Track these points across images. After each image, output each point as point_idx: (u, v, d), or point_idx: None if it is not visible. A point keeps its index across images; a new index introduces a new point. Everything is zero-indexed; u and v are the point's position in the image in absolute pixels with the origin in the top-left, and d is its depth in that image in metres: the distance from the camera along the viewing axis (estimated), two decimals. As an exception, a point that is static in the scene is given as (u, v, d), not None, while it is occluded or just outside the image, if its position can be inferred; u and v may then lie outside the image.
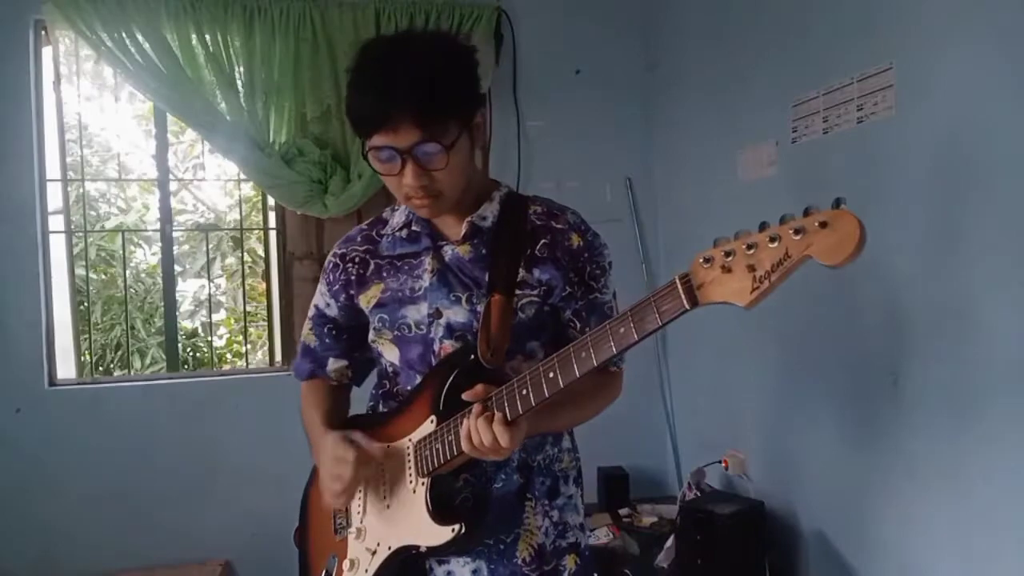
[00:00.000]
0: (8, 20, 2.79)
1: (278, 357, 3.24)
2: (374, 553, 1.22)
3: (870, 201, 2.00)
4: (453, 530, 1.11)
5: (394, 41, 1.15)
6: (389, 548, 1.20)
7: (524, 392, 1.03)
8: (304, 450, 1.36)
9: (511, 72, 3.20)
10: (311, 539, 1.38)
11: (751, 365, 2.73)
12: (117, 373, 4.79)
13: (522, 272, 1.20)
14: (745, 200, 2.68)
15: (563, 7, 3.29)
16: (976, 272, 1.78)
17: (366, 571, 1.22)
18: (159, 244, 3.24)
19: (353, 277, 1.30)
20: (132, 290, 5.16)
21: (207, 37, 2.88)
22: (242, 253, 4.27)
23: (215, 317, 5.38)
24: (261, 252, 4.27)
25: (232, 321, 5.59)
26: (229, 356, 5.49)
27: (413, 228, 1.26)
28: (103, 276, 5.43)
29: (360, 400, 1.41)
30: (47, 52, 2.88)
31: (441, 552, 1.18)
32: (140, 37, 2.81)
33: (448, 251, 1.24)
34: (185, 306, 5.34)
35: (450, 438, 1.10)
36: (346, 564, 1.26)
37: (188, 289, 5.40)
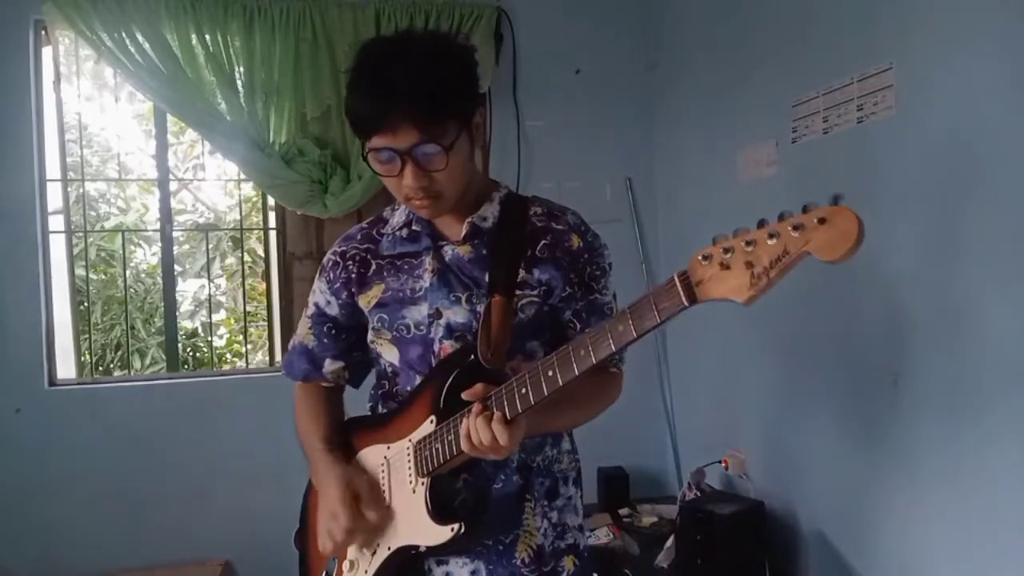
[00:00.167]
0: (8, 20, 2.79)
1: (278, 357, 3.23)
2: (374, 554, 1.22)
3: (870, 201, 2.00)
4: (452, 529, 1.11)
5: (393, 42, 1.14)
6: (389, 548, 1.20)
7: (523, 391, 1.03)
8: (304, 450, 1.35)
9: (511, 72, 3.20)
10: (311, 541, 1.38)
11: (751, 365, 2.73)
12: (117, 373, 4.79)
13: (522, 272, 1.19)
14: (745, 200, 2.68)
15: (563, 7, 3.29)
16: (976, 272, 1.78)
17: (366, 572, 1.22)
18: (159, 244, 3.24)
19: (354, 276, 1.29)
20: (132, 290, 5.15)
21: (207, 37, 2.88)
22: (242, 253, 4.27)
23: (215, 317, 5.38)
24: (261, 252, 4.27)
25: (232, 321, 5.59)
26: (229, 356, 5.49)
27: (413, 228, 1.26)
28: (103, 276, 5.42)
29: (359, 400, 1.41)
30: (47, 52, 2.88)
31: (441, 552, 1.18)
32: (140, 37, 2.82)
33: (448, 251, 1.24)
34: (185, 306, 5.34)
35: (450, 438, 1.10)
36: (346, 565, 1.26)
37: (188, 289, 5.40)
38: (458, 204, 1.20)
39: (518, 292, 1.18)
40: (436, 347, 1.21)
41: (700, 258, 0.84)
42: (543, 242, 1.22)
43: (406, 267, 1.25)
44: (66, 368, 3.03)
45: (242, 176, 3.15)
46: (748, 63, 2.64)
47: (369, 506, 1.19)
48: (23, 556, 2.75)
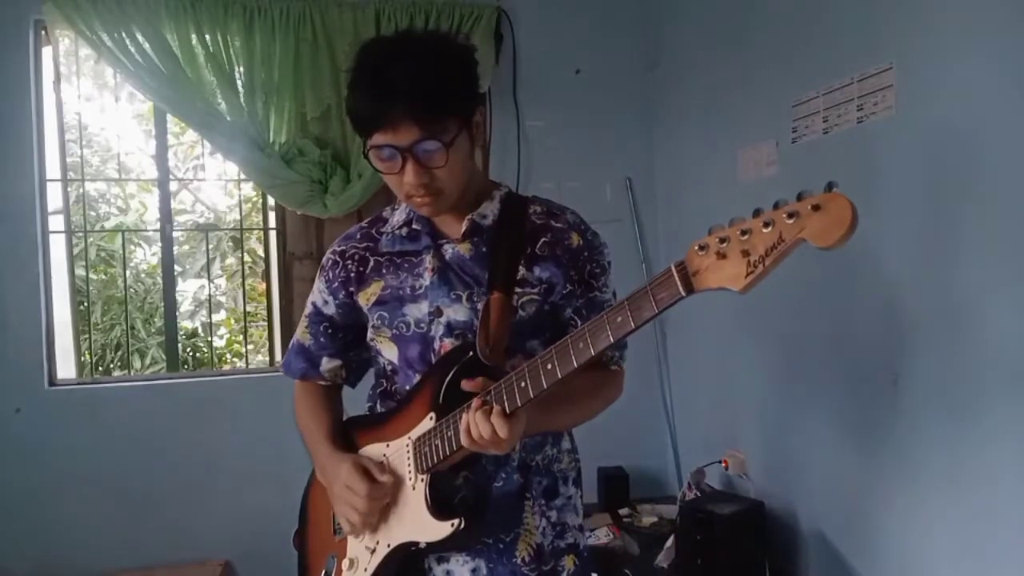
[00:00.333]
0: (8, 20, 2.79)
1: (278, 357, 3.23)
2: (373, 551, 1.21)
3: (870, 201, 2.00)
4: (452, 524, 1.11)
5: (393, 41, 1.15)
6: (389, 546, 1.20)
7: (523, 384, 1.03)
8: (304, 450, 1.35)
9: (511, 72, 3.20)
10: (310, 541, 1.38)
11: (751, 365, 2.73)
12: (117, 373, 4.79)
13: (522, 270, 1.20)
14: (745, 200, 2.64)
15: (563, 7, 3.29)
16: (976, 271, 1.78)
17: (365, 570, 1.22)
18: (159, 244, 3.24)
19: (353, 274, 1.29)
20: (132, 290, 5.16)
21: (207, 37, 2.88)
22: (242, 253, 4.27)
23: (215, 317, 5.38)
24: (261, 252, 4.27)
25: (232, 321, 5.59)
26: (229, 356, 5.49)
27: (413, 226, 1.26)
28: (103, 276, 5.43)
29: (359, 400, 1.41)
30: (47, 52, 2.88)
31: (441, 548, 1.17)
32: (140, 37, 2.82)
33: (448, 249, 1.24)
34: (185, 306, 5.34)
35: (449, 433, 1.10)
36: (345, 563, 1.26)
37: (188, 289, 5.40)
38: (458, 203, 1.20)
39: (519, 290, 1.19)
40: (436, 345, 1.22)
41: (697, 248, 0.85)
42: (543, 240, 1.23)
43: (406, 265, 1.26)
44: (66, 368, 3.03)
45: (242, 176, 3.15)
46: (748, 63, 2.64)
47: (383, 473, 1.19)
48: (23, 556, 2.75)
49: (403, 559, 1.19)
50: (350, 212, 2.99)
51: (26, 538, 2.76)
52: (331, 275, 1.32)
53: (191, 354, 5.38)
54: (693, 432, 3.18)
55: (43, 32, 2.87)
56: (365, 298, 1.28)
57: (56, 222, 2.99)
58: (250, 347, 4.94)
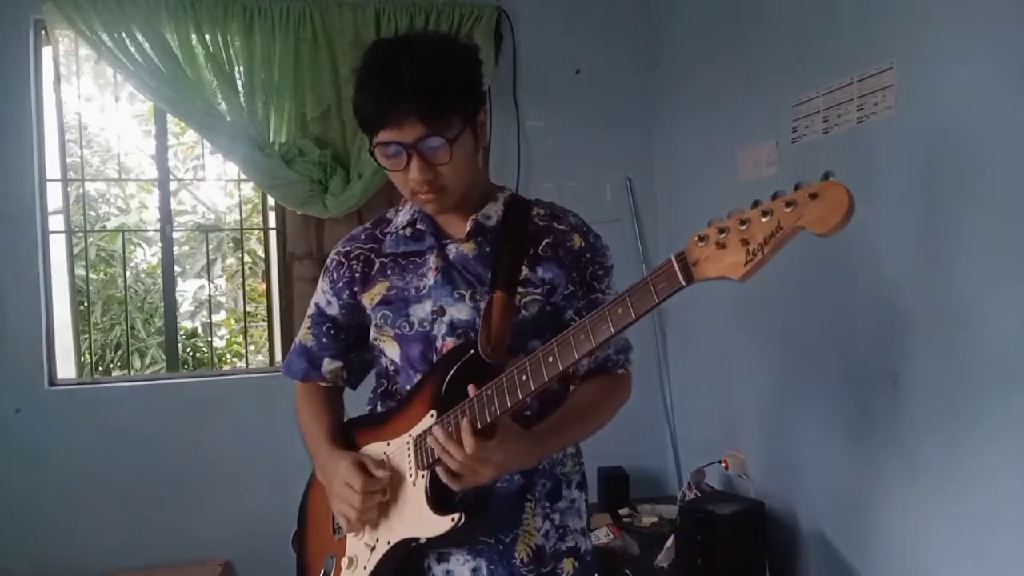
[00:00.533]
0: (8, 20, 2.79)
1: (278, 357, 3.24)
2: (373, 549, 1.21)
3: (870, 200, 2.00)
4: (453, 519, 1.11)
5: (398, 41, 1.18)
6: (389, 543, 1.20)
7: (524, 378, 1.04)
8: (304, 450, 1.35)
9: (511, 72, 3.20)
10: (309, 543, 1.38)
11: (751, 365, 2.73)
12: (117, 373, 4.79)
13: (525, 271, 1.21)
14: (745, 200, 2.66)
15: (563, 7, 3.29)
16: (976, 271, 1.78)
17: (365, 567, 1.22)
18: (159, 244, 3.24)
19: (357, 274, 1.30)
20: (132, 290, 5.16)
21: (207, 37, 2.88)
22: (242, 254, 4.27)
23: (215, 318, 5.38)
24: (261, 252, 4.28)
25: (232, 322, 5.59)
26: (229, 356, 5.49)
27: (418, 227, 1.27)
28: (103, 276, 5.43)
29: (360, 401, 1.41)
30: (47, 52, 2.89)
31: (440, 544, 1.18)
32: (140, 37, 2.82)
33: (452, 249, 1.25)
34: (185, 307, 5.34)
35: (450, 429, 1.10)
36: (344, 562, 1.25)
37: (188, 289, 5.40)
38: (462, 203, 1.22)
39: (521, 290, 1.20)
40: (438, 344, 1.22)
41: (696, 239, 0.87)
42: (546, 241, 1.24)
43: (410, 265, 1.26)
44: (66, 368, 3.03)
45: (242, 176, 3.15)
46: (748, 63, 2.64)
47: (379, 469, 1.20)
48: (23, 556, 2.75)
49: (403, 556, 1.19)
50: (350, 212, 2.98)
51: (26, 538, 2.76)
52: (335, 276, 1.32)
53: (191, 354, 5.38)
54: (693, 432, 3.18)
55: (43, 32, 2.87)
56: (369, 298, 1.28)
57: (56, 222, 2.99)
58: (250, 347, 4.94)
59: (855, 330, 2.19)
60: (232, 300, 5.68)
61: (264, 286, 3.91)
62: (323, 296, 1.35)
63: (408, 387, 1.25)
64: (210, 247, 5.15)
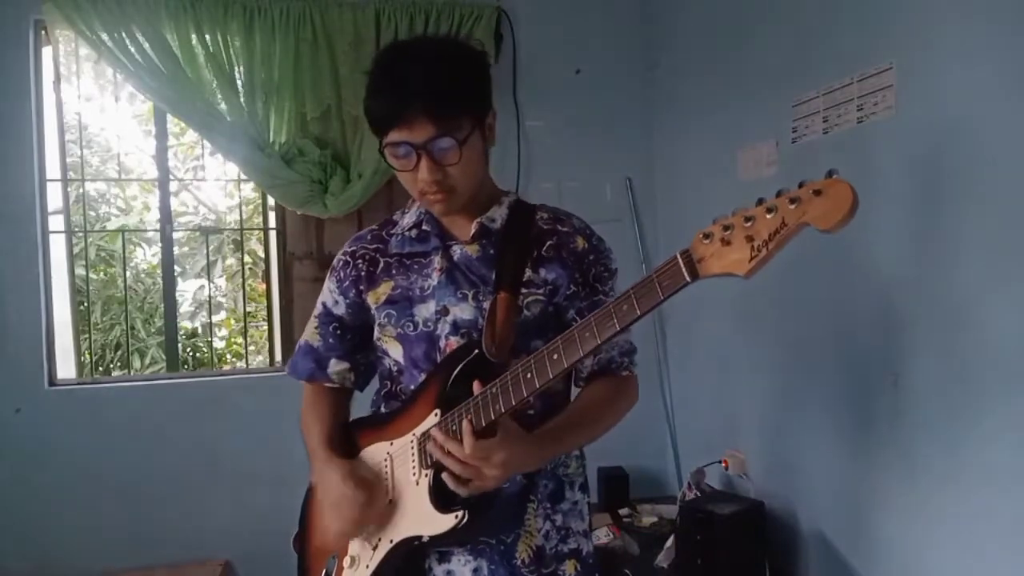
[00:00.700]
0: (8, 20, 2.79)
1: (278, 357, 3.24)
2: (375, 548, 1.22)
3: (870, 200, 1.98)
4: (456, 517, 1.11)
5: (409, 44, 1.21)
6: (391, 542, 1.20)
7: (528, 375, 1.04)
8: (304, 451, 1.35)
9: (511, 72, 3.20)
10: (310, 543, 1.38)
11: (751, 365, 2.73)
12: (117, 373, 4.79)
13: (529, 272, 1.22)
14: (745, 200, 2.66)
15: (563, 7, 3.29)
16: (976, 271, 1.78)
17: (367, 567, 1.22)
18: (159, 244, 3.24)
19: (363, 274, 1.31)
20: (132, 290, 5.16)
21: (207, 37, 2.88)
22: (242, 254, 4.27)
23: (215, 318, 5.38)
24: (261, 253, 4.27)
25: (232, 322, 5.59)
26: (229, 356, 5.49)
27: (423, 228, 1.28)
28: (103, 276, 5.43)
29: (363, 403, 1.41)
30: (47, 52, 2.89)
31: (443, 543, 1.18)
32: (140, 37, 2.82)
33: (457, 251, 1.26)
34: (185, 307, 5.34)
35: (454, 428, 1.11)
36: (346, 561, 1.26)
37: (188, 289, 5.40)
38: (469, 204, 1.23)
39: (524, 291, 1.21)
40: (442, 343, 1.23)
41: (701, 236, 0.88)
42: (549, 243, 1.26)
43: (415, 266, 1.27)
44: (66, 368, 3.03)
45: (242, 177, 3.15)
46: (748, 63, 2.64)
47: (374, 487, 1.21)
48: (23, 556, 2.75)
49: (405, 555, 1.19)
50: (350, 212, 2.99)
51: (26, 538, 2.76)
52: (342, 275, 1.33)
53: (191, 354, 5.38)
54: (693, 432, 3.18)
55: (43, 32, 2.87)
56: (374, 298, 1.29)
57: (56, 222, 2.99)
58: (250, 347, 4.94)
59: (855, 330, 2.19)
60: (232, 300, 5.68)
61: (264, 286, 3.91)
62: (330, 296, 1.36)
63: (412, 387, 1.25)
64: (210, 248, 5.15)
